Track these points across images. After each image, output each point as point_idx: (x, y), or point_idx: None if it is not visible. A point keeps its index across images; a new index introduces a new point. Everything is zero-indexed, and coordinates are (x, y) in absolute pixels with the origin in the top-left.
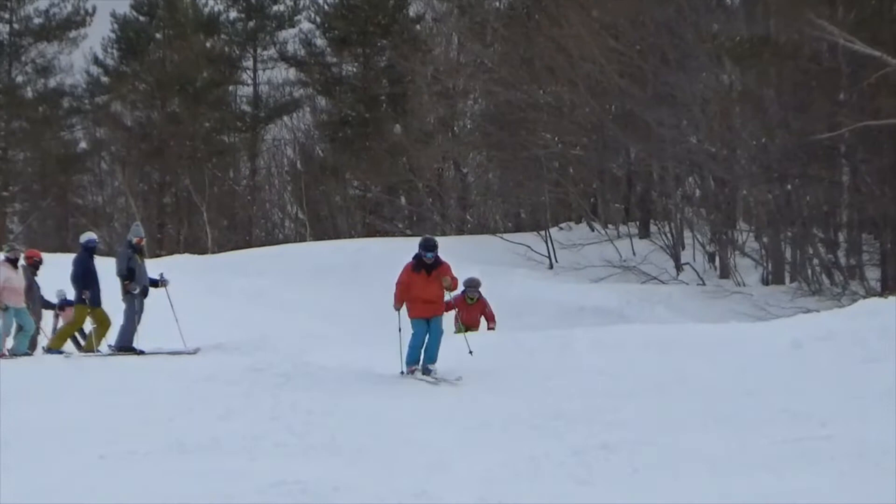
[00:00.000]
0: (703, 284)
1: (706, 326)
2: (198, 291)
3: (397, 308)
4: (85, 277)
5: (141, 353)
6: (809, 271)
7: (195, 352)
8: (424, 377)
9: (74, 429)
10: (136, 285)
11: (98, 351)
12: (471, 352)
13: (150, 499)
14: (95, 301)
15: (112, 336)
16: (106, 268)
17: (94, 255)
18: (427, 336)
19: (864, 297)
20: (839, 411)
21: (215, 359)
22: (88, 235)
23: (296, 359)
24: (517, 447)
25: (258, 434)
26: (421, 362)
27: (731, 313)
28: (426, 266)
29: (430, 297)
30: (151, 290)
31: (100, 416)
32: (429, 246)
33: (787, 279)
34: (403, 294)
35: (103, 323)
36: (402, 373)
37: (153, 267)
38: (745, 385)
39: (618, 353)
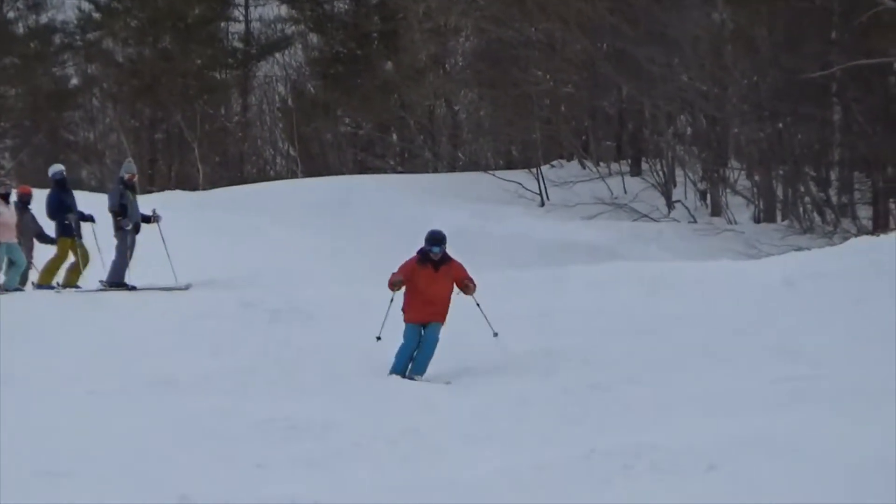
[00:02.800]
0: (695, 222)
1: (697, 264)
2: (189, 228)
3: (395, 288)
4: (59, 210)
5: (133, 288)
6: (801, 209)
7: (187, 288)
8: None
9: (65, 365)
10: (128, 221)
11: (78, 286)
12: (496, 333)
13: (141, 434)
14: (67, 232)
15: (102, 271)
16: (98, 204)
17: (67, 186)
18: (419, 345)
19: (856, 236)
20: (831, 350)
21: (207, 295)
22: (54, 167)
23: (287, 295)
24: (506, 386)
25: (249, 371)
26: (408, 371)
27: (722, 251)
28: (433, 262)
29: (433, 297)
30: (143, 226)
31: (91, 352)
32: (435, 239)
33: (779, 217)
34: (403, 274)
35: (81, 256)
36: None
37: (145, 203)
38: (737, 323)
39: (609, 290)
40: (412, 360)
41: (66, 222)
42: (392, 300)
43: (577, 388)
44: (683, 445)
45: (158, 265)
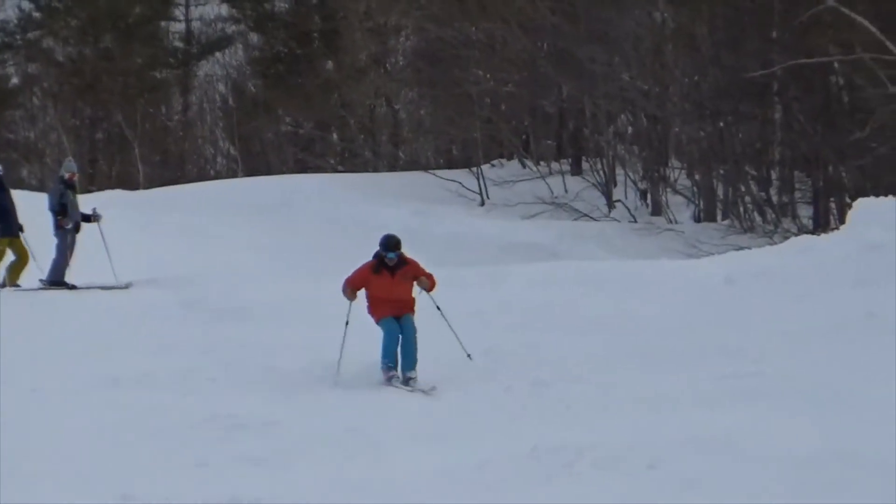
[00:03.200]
0: (635, 222)
1: (639, 263)
2: (130, 227)
3: (350, 297)
4: None
5: (73, 287)
6: (742, 209)
7: (127, 287)
8: (403, 387)
9: (6, 363)
10: (68, 220)
11: (18, 285)
12: (469, 355)
13: (83, 432)
14: (8, 231)
15: (40, 271)
16: (38, 203)
17: (4, 185)
18: (400, 336)
19: (797, 235)
20: (771, 348)
21: (148, 294)
22: None
23: (228, 294)
24: (448, 383)
25: (191, 368)
26: (399, 369)
27: (663, 250)
28: (388, 267)
29: (395, 298)
30: (84, 224)
31: (32, 350)
32: (390, 245)
33: (720, 216)
34: (354, 287)
35: (21, 255)
36: (389, 377)
37: (85, 202)
38: (678, 322)
39: (551, 289)
40: (400, 355)
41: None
42: (347, 323)
43: (519, 386)
44: (625, 444)
45: (99, 264)
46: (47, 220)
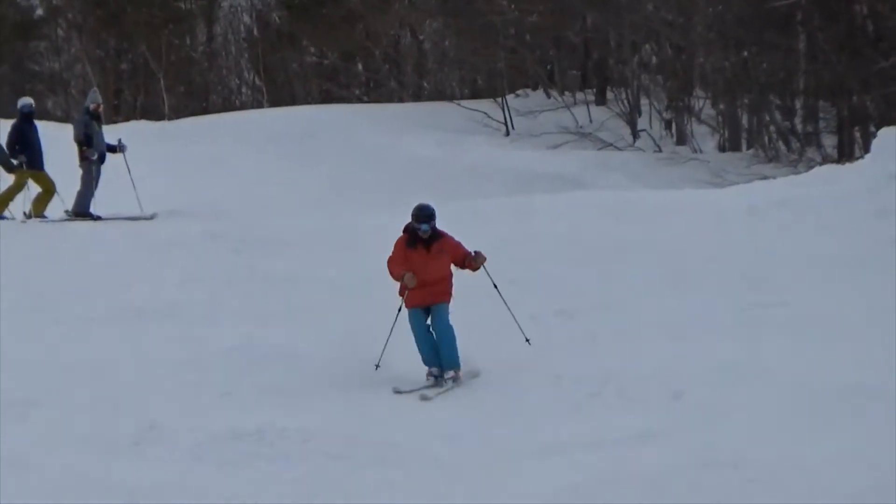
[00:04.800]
0: (660, 151)
1: (663, 193)
2: (155, 158)
3: (406, 280)
4: (19, 142)
5: (98, 218)
6: (766, 138)
7: (152, 217)
8: (442, 389)
9: (31, 295)
10: (93, 151)
11: (44, 216)
12: (528, 340)
13: (109, 363)
14: (33, 164)
15: (68, 202)
16: (63, 134)
17: (33, 120)
18: (431, 332)
19: (821, 164)
20: (795, 278)
21: (172, 225)
22: (24, 100)
23: (253, 225)
24: (471, 312)
25: (215, 300)
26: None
27: (687, 180)
28: (423, 240)
29: (431, 278)
30: (109, 155)
31: (57, 282)
32: (422, 216)
33: (744, 146)
34: (400, 268)
35: (46, 187)
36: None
37: (110, 133)
38: (702, 252)
39: (575, 219)
40: (438, 353)
41: (16, 161)
42: (400, 310)
43: (544, 316)
44: (649, 373)
45: (124, 195)
46: (72, 151)
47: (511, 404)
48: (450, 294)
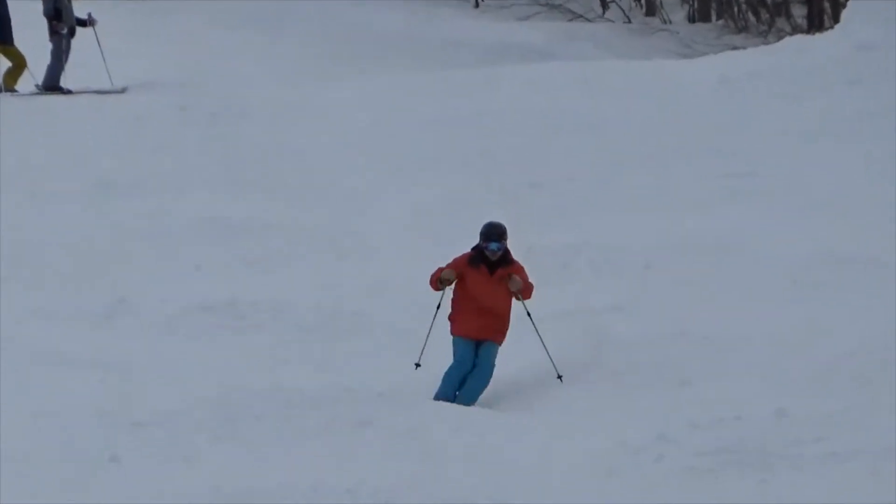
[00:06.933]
0: (629, 22)
1: (633, 63)
2: (125, 32)
3: (441, 285)
4: None
5: (68, 92)
6: (736, 8)
7: (123, 91)
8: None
9: (3, 169)
10: (63, 25)
11: (15, 90)
12: (560, 376)
13: (80, 237)
14: (3, 39)
15: (38, 76)
16: (33, 7)
17: None
18: (472, 368)
19: (791, 34)
20: (765, 149)
21: (143, 97)
22: None
23: (225, 97)
24: (445, 184)
25: (186, 171)
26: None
27: (656, 51)
28: (488, 262)
29: (489, 304)
30: (79, 29)
31: (28, 155)
32: (493, 234)
33: (714, 16)
34: (451, 268)
35: (17, 62)
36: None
37: (80, 7)
38: (672, 122)
39: (545, 91)
40: (462, 387)
41: None
42: (439, 306)
43: (514, 188)
44: (620, 244)
45: (94, 69)
46: (42, 25)
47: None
48: (503, 335)
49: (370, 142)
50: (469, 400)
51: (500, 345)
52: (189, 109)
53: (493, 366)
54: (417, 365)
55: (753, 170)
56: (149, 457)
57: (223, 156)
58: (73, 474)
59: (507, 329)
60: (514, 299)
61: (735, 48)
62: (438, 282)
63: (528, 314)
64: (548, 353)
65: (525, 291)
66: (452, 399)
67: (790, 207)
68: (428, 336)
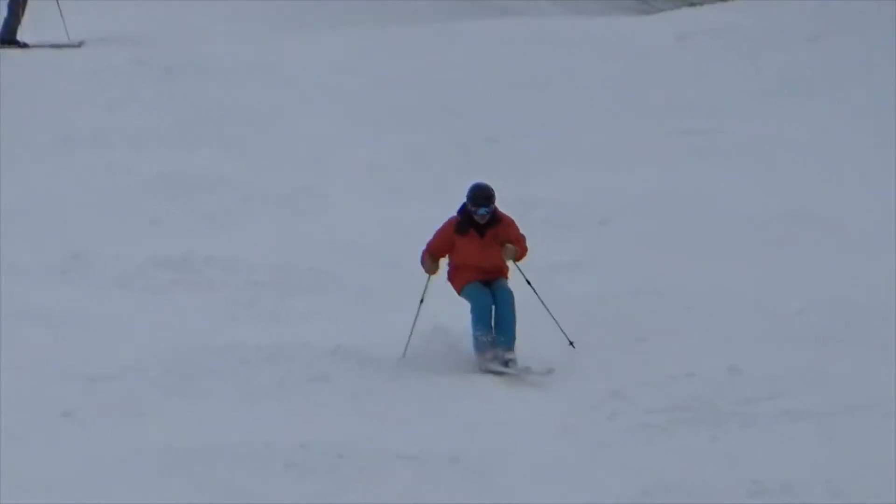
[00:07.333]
0: None
1: (591, 20)
2: None
3: (430, 270)
4: None
5: (25, 46)
6: None
7: (80, 45)
8: (505, 370)
9: None
10: None
11: None
12: (571, 343)
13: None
14: None
15: None
16: None
17: None
18: (493, 305)
19: None
20: (724, 106)
21: (100, 52)
22: None
23: (183, 50)
24: (401, 140)
25: (143, 126)
26: (495, 347)
27: (613, 7)
28: (478, 226)
29: (486, 266)
30: None
31: None
32: (481, 199)
33: None
34: (436, 254)
35: None
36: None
37: None
38: (629, 78)
39: (502, 46)
40: (496, 328)
41: None
42: (422, 301)
43: (470, 143)
44: (577, 200)
45: (51, 23)
46: None
47: (432, 229)
48: (507, 275)
49: (326, 98)
50: (509, 341)
51: (507, 279)
52: (145, 64)
53: (510, 292)
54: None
55: (711, 126)
56: (102, 412)
57: (180, 111)
58: (24, 429)
59: (507, 270)
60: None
61: (693, 4)
62: (428, 270)
63: (528, 282)
64: (555, 319)
65: (519, 255)
66: (492, 339)
67: (748, 164)
68: (413, 326)
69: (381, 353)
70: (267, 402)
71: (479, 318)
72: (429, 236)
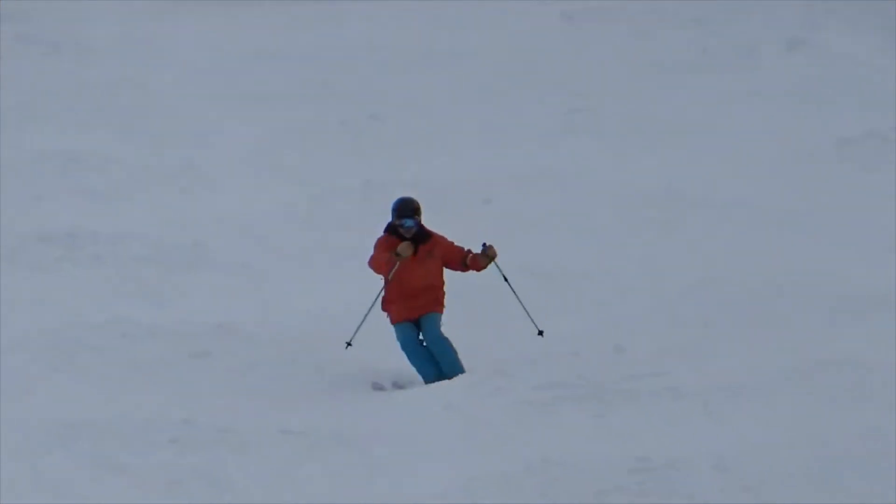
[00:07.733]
0: None
1: (479, 1)
2: None
3: (386, 271)
4: None
5: None
6: None
7: None
8: None
9: None
10: None
11: None
12: (541, 332)
13: None
14: None
15: None
16: None
17: None
18: (424, 343)
19: None
20: (609, 85)
21: None
22: None
23: (68, 29)
24: (284, 117)
25: (29, 103)
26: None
27: None
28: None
29: (419, 286)
30: None
31: None
32: (406, 210)
33: None
34: (385, 254)
35: None
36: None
37: None
38: (516, 58)
39: (389, 26)
40: (438, 369)
41: None
42: (381, 294)
43: (354, 120)
44: (461, 179)
45: None
46: None
47: (320, 208)
48: (441, 304)
49: (211, 76)
50: (455, 374)
51: (440, 313)
52: (29, 42)
53: (441, 336)
54: (348, 344)
55: (594, 105)
56: None
57: (66, 88)
58: None
59: (443, 298)
60: (444, 267)
61: None
62: (396, 256)
63: (505, 279)
64: (525, 310)
65: (482, 260)
66: (434, 372)
67: (632, 143)
68: (364, 318)
69: (263, 330)
70: (151, 378)
71: (415, 360)
72: (319, 214)
